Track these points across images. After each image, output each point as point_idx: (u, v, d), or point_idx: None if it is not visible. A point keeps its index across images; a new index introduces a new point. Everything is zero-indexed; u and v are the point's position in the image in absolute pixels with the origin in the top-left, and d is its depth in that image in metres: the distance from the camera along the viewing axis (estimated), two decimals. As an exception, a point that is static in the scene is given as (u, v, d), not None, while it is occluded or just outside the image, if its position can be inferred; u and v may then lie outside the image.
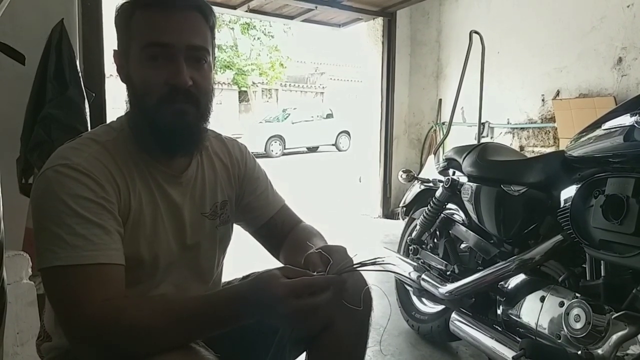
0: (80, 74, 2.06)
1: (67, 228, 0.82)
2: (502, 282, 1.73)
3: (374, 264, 0.90)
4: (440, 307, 2.20)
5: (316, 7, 4.53)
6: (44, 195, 0.86)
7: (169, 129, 0.93)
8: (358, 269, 0.89)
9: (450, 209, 2.19)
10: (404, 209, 2.53)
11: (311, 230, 1.24)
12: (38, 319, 1.69)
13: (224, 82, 18.70)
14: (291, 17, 5.01)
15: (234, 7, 4.57)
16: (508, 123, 4.43)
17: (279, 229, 1.21)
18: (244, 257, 3.66)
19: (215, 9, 4.63)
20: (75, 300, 0.80)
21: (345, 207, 5.85)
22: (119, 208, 0.91)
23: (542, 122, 4.14)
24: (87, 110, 2.03)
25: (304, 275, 0.81)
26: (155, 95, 0.91)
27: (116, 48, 0.98)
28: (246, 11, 4.62)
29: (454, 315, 1.86)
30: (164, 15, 0.90)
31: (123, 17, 0.94)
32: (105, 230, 0.86)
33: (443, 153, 2.78)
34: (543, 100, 4.12)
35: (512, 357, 1.44)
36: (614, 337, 1.20)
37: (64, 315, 0.82)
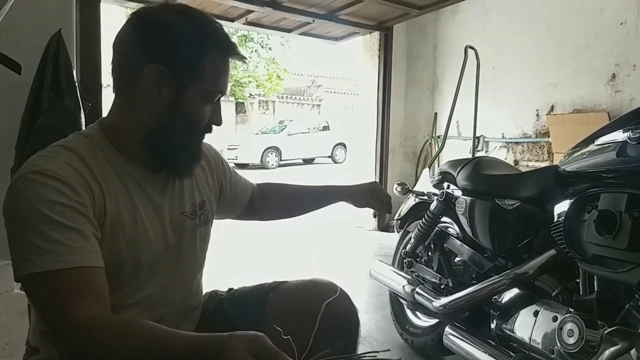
0: (76, 83, 2.06)
1: (42, 234, 0.81)
2: (495, 296, 1.72)
3: (356, 358, 0.84)
4: (434, 321, 2.20)
5: (314, 20, 4.57)
6: (15, 204, 0.84)
7: (193, 153, 1.03)
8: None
9: (444, 222, 2.19)
10: (399, 221, 2.53)
11: (278, 187, 1.45)
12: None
13: (221, 94, 18.74)
14: (289, 30, 5.05)
15: (232, 20, 4.60)
16: (503, 137, 4.46)
17: (259, 202, 1.37)
18: (233, 261, 3.65)
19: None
20: (56, 307, 0.78)
21: (340, 219, 5.84)
22: (94, 212, 0.89)
23: (536, 137, 4.17)
24: (83, 120, 2.03)
25: (274, 358, 0.72)
26: (200, 127, 1.00)
27: (158, 64, 0.92)
28: (244, 24, 4.65)
29: (447, 329, 1.85)
30: (228, 64, 1.00)
31: (190, 50, 0.93)
32: (81, 234, 0.84)
33: (438, 166, 2.79)
34: (537, 115, 4.15)
35: (506, 372, 1.43)
36: (607, 352, 1.20)
37: (48, 322, 0.81)
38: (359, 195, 1.43)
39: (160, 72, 0.93)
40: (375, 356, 0.75)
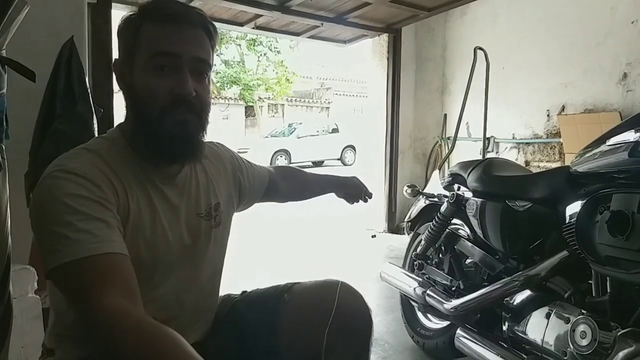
0: (89, 90, 2.08)
1: (69, 225, 0.82)
2: (507, 298, 1.72)
3: None
4: (445, 323, 2.19)
5: (322, 24, 4.58)
6: (42, 200, 0.86)
7: (170, 136, 0.96)
8: None
9: (455, 224, 2.19)
10: (409, 223, 2.53)
11: (290, 172, 1.55)
12: (43, 333, 1.69)
13: (230, 98, 18.85)
14: (297, 34, 5.07)
15: (241, 24, 4.62)
16: (513, 138, 4.43)
17: (273, 187, 1.42)
18: (244, 264, 3.66)
19: (223, 26, 4.72)
20: (85, 293, 0.80)
21: (350, 221, 5.84)
22: (117, 210, 0.91)
23: (547, 138, 4.14)
24: (96, 125, 2.05)
25: None
26: (159, 104, 0.94)
27: (117, 58, 1.00)
28: (253, 28, 4.68)
29: (459, 331, 1.84)
30: (173, 28, 0.94)
31: (130, 27, 0.96)
32: (107, 224, 0.86)
33: (448, 168, 2.78)
34: (548, 115, 4.12)
35: (518, 374, 1.42)
36: (621, 354, 1.19)
37: (80, 309, 0.83)
38: (339, 189, 1.62)
39: (117, 64, 0.99)
40: None
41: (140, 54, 0.94)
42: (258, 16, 4.39)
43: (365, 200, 1.65)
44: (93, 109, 2.06)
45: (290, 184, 1.50)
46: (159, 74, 0.93)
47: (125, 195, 0.94)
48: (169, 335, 0.77)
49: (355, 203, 1.66)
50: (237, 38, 17.67)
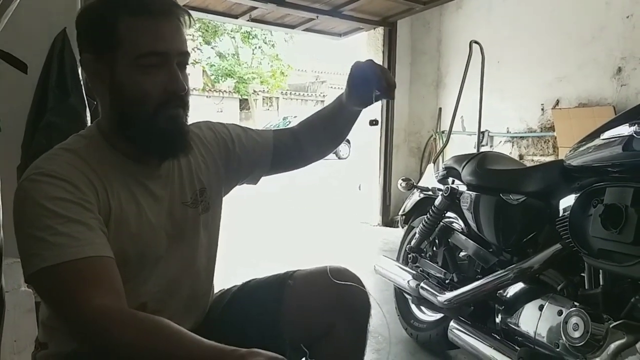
0: (81, 82, 2.07)
1: (49, 229, 0.82)
2: (501, 291, 1.73)
3: None
4: (439, 316, 2.20)
5: (317, 17, 4.56)
6: (22, 204, 0.86)
7: (165, 134, 0.95)
8: None
9: (449, 217, 2.20)
10: (404, 217, 2.53)
11: (310, 120, 1.32)
12: (36, 326, 1.69)
13: (225, 90, 18.80)
14: (292, 27, 5.05)
15: (236, 17, 4.60)
16: (508, 132, 4.45)
17: (287, 149, 1.26)
18: (235, 258, 3.67)
19: (218, 18, 4.70)
20: (70, 298, 0.79)
21: (345, 214, 5.85)
22: (98, 210, 0.90)
23: (541, 131, 4.16)
24: (88, 118, 2.04)
25: None
26: (152, 102, 0.92)
27: (86, 54, 0.94)
28: (248, 20, 4.65)
29: (452, 323, 1.86)
30: (154, 23, 0.91)
31: (104, 21, 0.91)
32: (88, 226, 0.85)
33: (442, 162, 2.79)
34: (543, 109, 4.14)
35: (511, 366, 1.43)
36: (613, 346, 1.20)
37: (63, 315, 0.82)
38: (353, 91, 1.18)
39: (90, 60, 0.94)
40: None
41: (122, 52, 0.90)
42: (253, 8, 4.37)
43: (389, 97, 1.17)
44: (86, 102, 2.04)
45: (303, 131, 1.29)
46: (149, 72, 0.91)
47: (106, 194, 0.93)
48: (165, 323, 0.78)
49: (378, 100, 1.18)
50: (231, 31, 17.60)
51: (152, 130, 0.94)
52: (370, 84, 1.13)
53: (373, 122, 1.29)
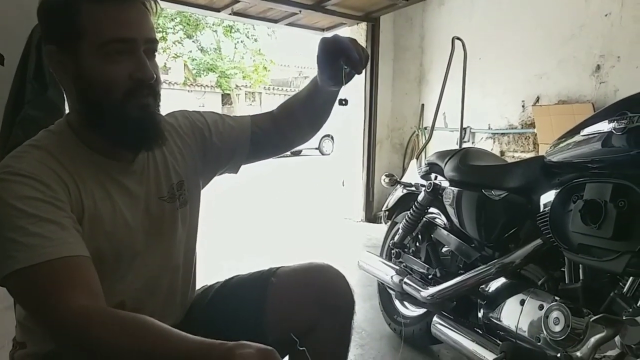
0: (60, 75, 2.02)
1: (21, 230, 0.79)
2: (483, 286, 1.75)
3: None
4: (422, 311, 2.22)
5: (300, 11, 4.54)
6: None
7: (137, 123, 0.92)
8: None
9: (432, 213, 2.21)
10: (387, 213, 2.54)
11: (289, 103, 1.27)
12: (15, 324, 1.65)
13: (207, 85, 18.61)
14: (275, 21, 5.01)
15: (218, 10, 4.54)
16: (489, 128, 4.49)
17: (266, 133, 1.22)
18: (218, 253, 3.65)
19: (199, 11, 4.64)
20: (46, 299, 0.77)
21: (328, 210, 5.85)
22: (71, 208, 0.88)
23: (522, 128, 4.20)
24: (67, 111, 2.00)
25: None
26: (120, 90, 0.89)
27: (49, 45, 0.91)
28: (230, 14, 4.60)
29: (435, 318, 1.87)
30: (117, 9, 0.87)
31: (65, 11, 0.87)
32: (61, 225, 0.83)
33: (425, 158, 2.80)
34: (523, 106, 4.18)
35: (493, 360, 1.45)
36: (592, 339, 1.22)
37: (39, 317, 0.80)
38: (323, 70, 1.11)
39: (53, 52, 0.91)
40: None
41: (85, 41, 0.87)
42: (235, 2, 4.32)
43: (359, 71, 1.08)
44: (64, 95, 2.00)
45: (282, 114, 1.25)
46: (114, 60, 0.88)
47: (78, 191, 0.90)
48: (147, 320, 0.77)
49: (351, 79, 1.12)
50: (213, 24, 17.41)
51: (122, 121, 0.91)
52: (338, 60, 1.06)
53: (342, 102, 1.19)
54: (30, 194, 0.83)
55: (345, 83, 1.10)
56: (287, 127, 1.25)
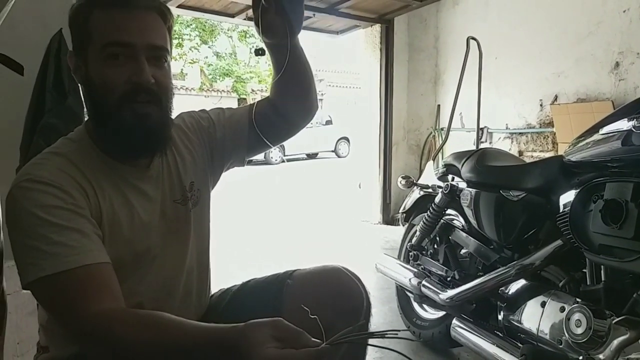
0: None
1: (44, 238, 0.82)
2: (502, 288, 1.72)
3: (378, 336, 0.81)
4: (441, 313, 2.20)
5: (314, 14, 4.55)
6: (13, 212, 0.85)
7: (130, 129, 0.93)
8: (356, 340, 0.82)
9: (449, 214, 2.19)
10: (404, 215, 2.53)
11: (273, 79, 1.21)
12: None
13: (223, 90, 18.76)
14: (289, 25, 5.03)
15: (232, 16, 4.58)
16: (506, 128, 4.44)
17: (266, 117, 1.19)
18: (247, 254, 3.67)
19: (214, 17, 4.68)
20: (70, 306, 0.81)
21: (346, 213, 5.85)
22: (90, 213, 0.90)
23: (540, 127, 4.15)
24: (87, 119, 2.03)
25: (297, 338, 0.75)
26: (116, 93, 0.91)
27: (71, 50, 0.97)
28: (244, 19, 4.64)
29: (455, 321, 1.85)
30: (124, 15, 0.91)
31: (79, 17, 0.92)
32: (82, 233, 0.85)
33: (442, 159, 2.78)
34: (541, 105, 4.13)
35: (514, 363, 1.43)
36: (615, 342, 1.20)
37: (64, 322, 0.83)
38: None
39: (72, 56, 0.96)
40: (397, 334, 0.78)
41: (92, 44, 0.91)
42: (249, 7, 4.34)
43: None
44: (83, 103, 2.04)
45: (273, 91, 1.21)
46: (114, 64, 0.90)
47: (96, 197, 0.92)
48: (165, 315, 0.81)
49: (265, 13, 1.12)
50: (228, 30, 17.55)
51: (117, 125, 0.92)
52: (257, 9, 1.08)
53: (259, 52, 1.18)
54: (52, 202, 0.85)
55: (263, 24, 1.09)
56: (282, 101, 1.20)
